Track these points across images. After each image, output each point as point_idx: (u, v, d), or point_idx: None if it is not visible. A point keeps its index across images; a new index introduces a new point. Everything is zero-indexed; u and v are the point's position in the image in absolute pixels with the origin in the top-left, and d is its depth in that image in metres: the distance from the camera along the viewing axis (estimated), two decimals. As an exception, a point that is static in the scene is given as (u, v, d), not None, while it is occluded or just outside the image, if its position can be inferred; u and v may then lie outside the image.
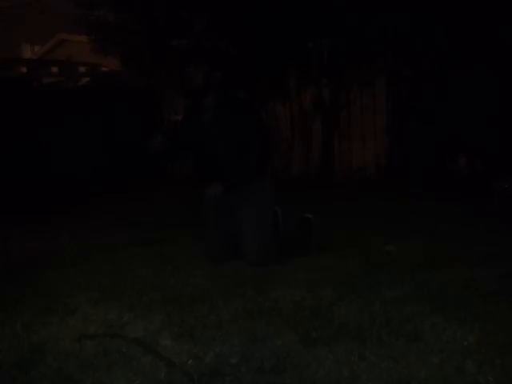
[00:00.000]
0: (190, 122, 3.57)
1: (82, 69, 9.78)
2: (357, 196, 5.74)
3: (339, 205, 5.18)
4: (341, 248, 3.68)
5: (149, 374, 2.04)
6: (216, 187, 3.34)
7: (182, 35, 6.71)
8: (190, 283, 3.09)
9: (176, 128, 3.58)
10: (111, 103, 8.26)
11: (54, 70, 9.51)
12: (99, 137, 7.99)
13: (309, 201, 4.99)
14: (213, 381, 1.97)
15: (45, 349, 2.28)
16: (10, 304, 2.82)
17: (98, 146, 7.91)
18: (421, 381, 1.92)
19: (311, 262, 3.40)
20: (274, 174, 3.69)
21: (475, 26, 5.57)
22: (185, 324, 2.47)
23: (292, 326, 2.39)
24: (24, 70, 9.01)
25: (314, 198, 5.39)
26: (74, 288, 3.04)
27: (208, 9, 6.35)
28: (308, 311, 2.57)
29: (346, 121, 7.39)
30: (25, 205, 5.73)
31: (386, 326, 2.35)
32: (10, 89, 7.21)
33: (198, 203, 3.64)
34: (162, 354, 2.18)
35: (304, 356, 2.12)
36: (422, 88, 6.52)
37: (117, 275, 3.27)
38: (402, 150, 6.82)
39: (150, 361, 2.13)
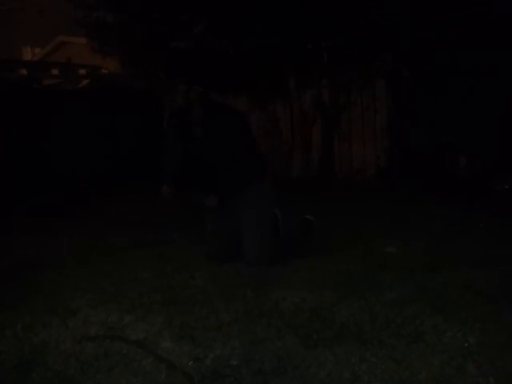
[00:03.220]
0: (181, 138, 3.55)
1: (82, 71, 9.79)
2: (357, 197, 5.74)
3: (339, 206, 5.17)
4: (341, 249, 3.68)
5: (149, 376, 2.04)
6: (211, 200, 3.37)
7: (181, 37, 6.70)
8: (190, 285, 3.09)
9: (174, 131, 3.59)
10: (111, 105, 8.26)
11: (55, 72, 9.52)
12: (100, 139, 7.99)
13: (309, 202, 4.99)
14: (213, 382, 1.98)
15: (45, 351, 2.29)
16: (11, 306, 2.82)
17: (98, 147, 7.91)
18: (422, 382, 1.92)
19: (311, 263, 3.40)
20: (274, 176, 3.69)
21: (474, 26, 5.57)
22: (185, 326, 2.47)
23: (292, 328, 2.39)
24: (24, 72, 9.01)
25: (315, 199, 5.39)
26: (74, 290, 3.05)
27: (207, 10, 6.34)
28: (308, 312, 2.57)
29: (346, 122, 7.39)
30: (25, 207, 5.73)
31: (387, 328, 2.35)
32: (10, 91, 7.21)
33: (198, 205, 3.64)
34: (162, 355, 2.18)
35: (305, 357, 2.12)
36: (422, 89, 6.52)
37: (117, 277, 3.28)
38: (402, 151, 6.82)
39: (151, 363, 2.14)
